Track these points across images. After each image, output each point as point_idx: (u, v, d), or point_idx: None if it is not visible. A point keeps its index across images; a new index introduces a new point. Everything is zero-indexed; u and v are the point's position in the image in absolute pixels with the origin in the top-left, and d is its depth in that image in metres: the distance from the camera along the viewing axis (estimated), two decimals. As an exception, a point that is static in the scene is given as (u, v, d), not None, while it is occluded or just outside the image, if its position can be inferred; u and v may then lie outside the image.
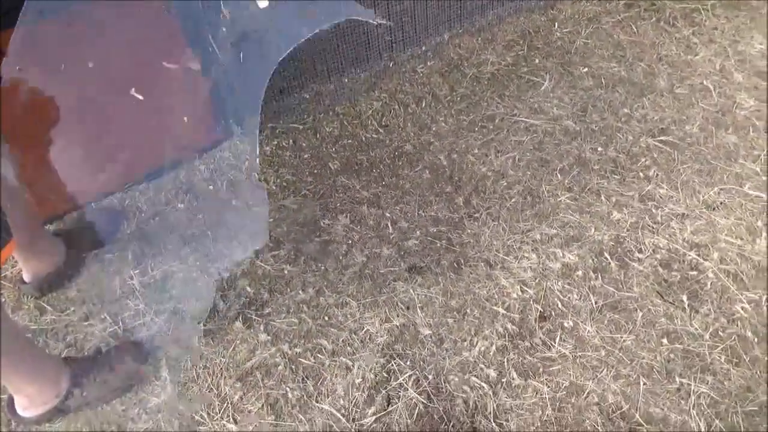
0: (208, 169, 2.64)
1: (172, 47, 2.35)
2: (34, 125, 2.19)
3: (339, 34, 2.81)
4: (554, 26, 3.30)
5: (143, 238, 2.38)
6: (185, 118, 2.45)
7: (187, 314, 2.13)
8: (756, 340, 1.93)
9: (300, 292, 2.18)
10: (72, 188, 2.43)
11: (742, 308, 2.01)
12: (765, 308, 2.01)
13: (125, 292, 2.22)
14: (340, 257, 2.28)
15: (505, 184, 2.52)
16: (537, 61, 3.12)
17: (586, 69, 3.06)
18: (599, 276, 2.15)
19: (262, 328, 2.08)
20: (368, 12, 2.68)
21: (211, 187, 2.56)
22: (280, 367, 1.96)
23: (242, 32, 2.37)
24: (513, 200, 2.45)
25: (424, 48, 3.09)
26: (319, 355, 2.00)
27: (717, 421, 1.76)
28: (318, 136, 2.78)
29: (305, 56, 2.79)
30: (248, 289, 2.20)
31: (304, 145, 2.74)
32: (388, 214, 2.43)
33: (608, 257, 2.21)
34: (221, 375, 1.96)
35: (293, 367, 1.96)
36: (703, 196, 2.40)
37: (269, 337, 2.05)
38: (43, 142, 2.23)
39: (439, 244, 2.31)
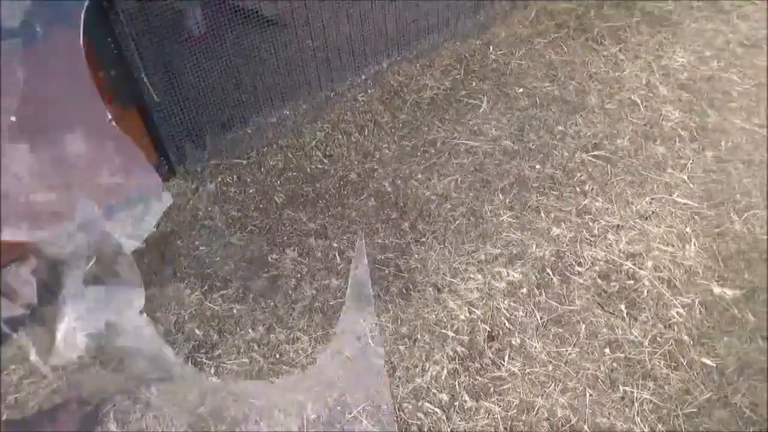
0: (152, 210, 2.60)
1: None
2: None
3: (278, 66, 2.84)
4: (489, 49, 3.42)
5: (88, 287, 2.32)
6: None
7: (134, 364, 2.09)
8: (691, 342, 2.02)
9: (250, 330, 2.17)
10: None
11: (677, 313, 2.10)
12: (698, 311, 2.11)
13: (69, 344, 2.16)
14: (290, 292, 2.28)
15: (449, 206, 2.57)
16: (474, 84, 3.22)
17: (521, 89, 3.17)
18: (543, 292, 2.21)
19: (212, 371, 2.05)
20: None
21: (154, 229, 2.52)
22: (231, 411, 1.94)
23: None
24: (457, 222, 2.51)
25: (363, 77, 3.15)
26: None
27: (660, 426, 1.83)
28: (262, 170, 2.78)
29: (246, 90, 2.81)
30: (197, 331, 2.17)
31: (248, 180, 2.74)
32: (335, 245, 2.45)
33: (550, 272, 2.28)
34: (171, 424, 1.92)
35: (245, 409, 1.94)
36: (636, 207, 2.50)
37: (220, 381, 2.02)
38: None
39: (387, 271, 2.34)
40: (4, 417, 1.91)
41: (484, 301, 2.20)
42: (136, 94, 2.42)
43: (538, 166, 2.73)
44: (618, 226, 2.43)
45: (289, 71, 2.89)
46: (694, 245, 2.31)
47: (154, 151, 2.62)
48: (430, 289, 2.26)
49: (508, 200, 2.58)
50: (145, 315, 2.19)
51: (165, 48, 2.39)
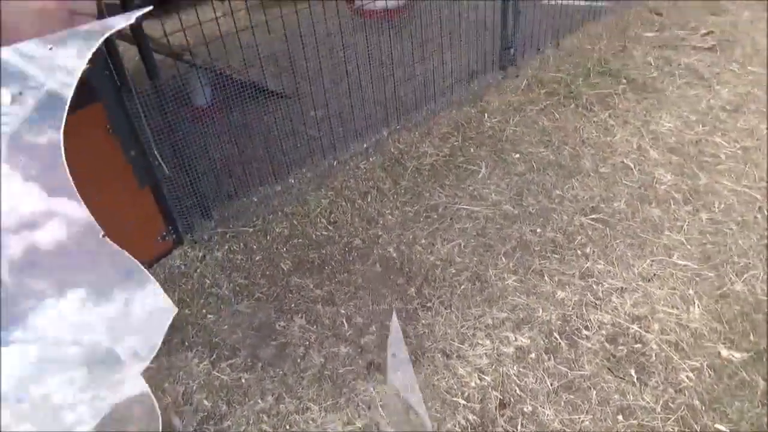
0: (159, 278, 2.61)
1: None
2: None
3: (282, 137, 2.94)
4: (484, 117, 3.56)
5: (92, 358, 2.30)
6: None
7: (140, 437, 2.04)
8: (703, 408, 2.02)
9: (259, 400, 2.14)
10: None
11: (687, 377, 2.12)
12: (707, 375, 2.12)
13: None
14: (298, 360, 2.28)
15: (454, 271, 2.61)
16: (472, 150, 3.33)
17: (517, 155, 3.28)
18: (551, 357, 2.22)
19: (221, 444, 2.02)
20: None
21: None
22: (242, 486, 1.89)
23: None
24: (462, 287, 2.54)
25: (365, 145, 3.25)
26: (282, 468, 1.94)
27: (679, 495, 1.81)
28: (268, 237, 2.82)
29: (251, 161, 2.89)
30: (205, 402, 2.15)
31: (255, 247, 2.77)
32: (343, 311, 2.46)
33: (558, 337, 2.29)
34: (180, 501, 1.87)
35: (256, 484, 1.90)
36: (637, 269, 2.55)
37: (229, 454, 1.98)
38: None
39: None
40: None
41: (493, 367, 2.20)
42: (150, 172, 2.49)
43: (539, 230, 2.79)
44: (621, 288, 2.47)
45: (293, 141, 2.99)
46: (698, 307, 2.35)
47: (163, 222, 2.66)
48: (439, 355, 2.26)
49: (511, 264, 2.62)
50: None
51: (175, 124, 2.47)
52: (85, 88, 2.16)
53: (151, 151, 2.44)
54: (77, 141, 2.25)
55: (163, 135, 2.45)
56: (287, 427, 2.06)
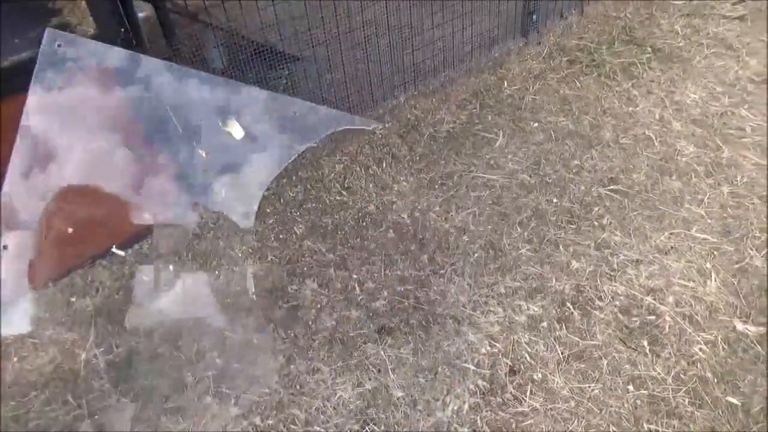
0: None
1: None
2: None
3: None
4: (503, 84, 3.48)
5: (107, 314, 2.34)
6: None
7: (154, 392, 2.09)
8: (715, 380, 2.00)
9: (270, 360, 2.17)
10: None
11: (700, 350, 2.09)
12: (721, 348, 2.10)
13: (89, 371, 2.17)
14: (309, 322, 2.29)
15: (468, 239, 2.59)
16: (490, 118, 3.27)
17: (536, 124, 3.22)
18: (563, 326, 2.21)
19: (233, 401, 2.05)
20: (366, 121, 2.81)
21: (177, 258, 2.55)
22: (253, 442, 1.93)
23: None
24: (476, 255, 2.52)
25: (381, 111, 3.21)
26: (292, 426, 1.97)
27: (686, 465, 1.81)
28: (282, 201, 2.82)
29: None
30: (218, 361, 2.18)
31: (268, 210, 2.77)
32: (355, 276, 2.46)
33: (570, 307, 2.28)
34: (192, 455, 1.91)
35: (266, 440, 1.94)
36: (654, 241, 2.51)
37: (241, 411, 2.02)
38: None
39: (406, 303, 2.34)
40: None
41: (504, 334, 2.20)
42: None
43: (555, 200, 2.75)
44: (637, 260, 2.44)
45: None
46: (715, 281, 2.31)
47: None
48: (450, 321, 2.26)
49: (526, 234, 2.59)
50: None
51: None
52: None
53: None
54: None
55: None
56: (297, 387, 2.08)
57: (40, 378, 2.14)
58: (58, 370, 2.16)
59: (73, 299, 2.40)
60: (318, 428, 1.95)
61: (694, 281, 2.33)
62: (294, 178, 2.93)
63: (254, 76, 2.79)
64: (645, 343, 2.12)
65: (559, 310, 2.27)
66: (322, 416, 1.99)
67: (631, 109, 3.28)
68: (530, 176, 2.89)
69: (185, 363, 2.17)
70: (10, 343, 2.24)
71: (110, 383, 2.12)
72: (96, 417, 2.01)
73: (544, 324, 2.22)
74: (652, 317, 2.22)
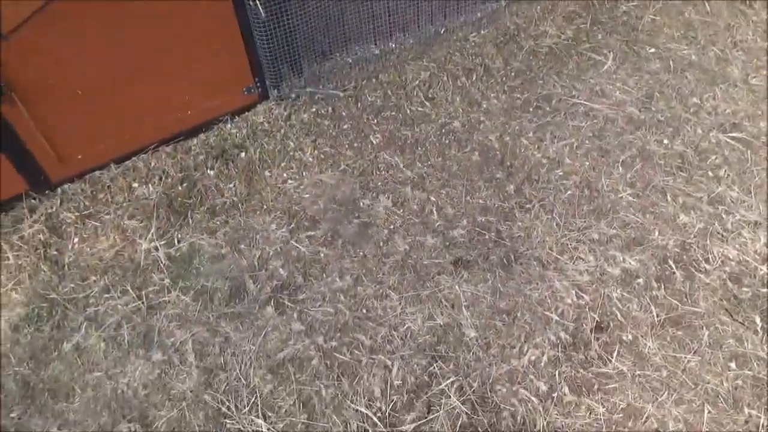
0: (241, 134, 2.44)
1: None
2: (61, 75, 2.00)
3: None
4: (620, -2, 3.03)
5: (170, 205, 2.22)
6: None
7: (215, 294, 1.99)
8: (834, 372, 1.77)
9: (337, 279, 2.03)
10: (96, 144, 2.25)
11: (820, 335, 1.85)
12: None
13: (149, 263, 2.08)
14: (381, 243, 2.12)
15: (561, 173, 2.32)
16: (600, 36, 2.86)
17: (653, 50, 2.80)
18: (662, 286, 1.98)
19: (295, 316, 1.93)
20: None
21: (243, 154, 2.37)
22: (314, 362, 1.83)
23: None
24: (569, 192, 2.26)
25: (478, 14, 2.83)
26: (356, 351, 1.86)
27: (786, 460, 1.63)
28: (359, 105, 2.57)
29: (350, 16, 2.55)
30: (281, 271, 2.05)
31: (344, 114, 2.54)
32: (433, 198, 2.25)
33: (672, 265, 2.03)
34: (250, 364, 1.83)
35: (328, 362, 1.83)
36: (778, 204, 2.20)
37: (303, 327, 1.91)
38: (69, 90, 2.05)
39: (487, 236, 2.14)
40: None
41: (594, 286, 1.99)
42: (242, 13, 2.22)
43: (666, 141, 2.42)
44: (756, 222, 2.14)
45: (398, 1, 2.60)
46: None
47: (250, 72, 2.43)
48: (535, 263, 2.05)
49: (629, 176, 2.30)
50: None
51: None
52: None
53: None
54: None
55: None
56: (364, 311, 1.95)
57: (100, 263, 2.06)
58: (118, 258, 2.07)
59: (135, 184, 2.28)
60: (383, 357, 1.83)
61: (821, 256, 2.04)
62: (374, 80, 2.66)
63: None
64: (756, 319, 1.89)
65: (659, 267, 2.03)
66: (388, 345, 1.86)
67: (767, 44, 2.82)
68: (639, 110, 2.54)
69: (247, 268, 2.05)
70: (70, 223, 2.16)
71: (170, 278, 2.02)
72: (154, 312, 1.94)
73: (640, 281, 1.99)
74: (767, 290, 1.96)
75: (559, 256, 2.07)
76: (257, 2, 2.17)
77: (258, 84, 2.48)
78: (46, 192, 2.23)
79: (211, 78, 2.35)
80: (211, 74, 2.34)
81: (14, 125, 2.00)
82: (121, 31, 2.03)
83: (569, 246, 2.10)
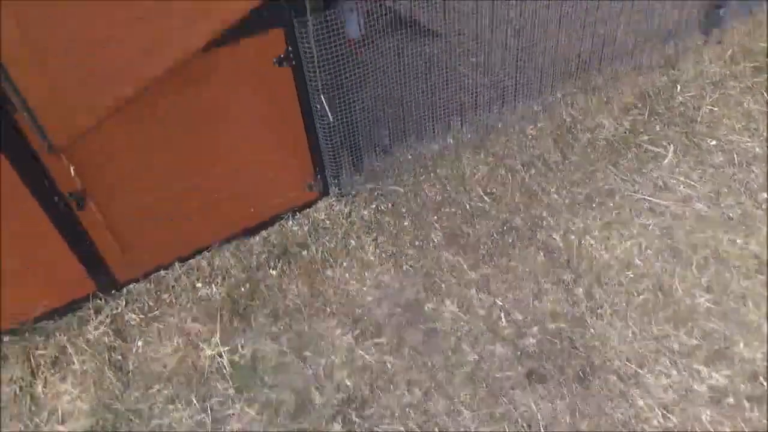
0: (302, 231, 2.44)
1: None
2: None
3: (442, 84, 2.58)
4: (676, 89, 3.01)
5: (233, 308, 2.20)
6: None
7: (280, 407, 1.93)
8: None
9: (405, 392, 1.95)
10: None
11: None
12: None
13: (213, 370, 2.04)
14: (449, 352, 2.05)
15: (632, 276, 2.24)
16: (658, 128, 2.83)
17: (714, 142, 2.76)
18: (755, 407, 1.85)
19: (364, 433, 1.86)
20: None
21: (305, 252, 2.36)
22: (386, 488, 1.74)
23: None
24: (642, 297, 2.18)
25: (535, 107, 2.84)
26: (429, 476, 1.76)
27: None
28: (418, 200, 2.56)
29: (409, 113, 2.59)
30: (347, 382, 1.99)
31: (404, 210, 2.52)
32: (499, 302, 2.19)
33: (764, 383, 1.91)
34: (320, 489, 1.75)
35: (401, 488, 1.74)
36: None
37: (373, 448, 1.83)
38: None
39: (560, 346, 2.05)
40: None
41: (680, 405, 1.87)
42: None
43: (739, 241, 2.33)
44: None
45: (451, 91, 2.62)
46: None
47: (312, 168, 2.45)
48: (614, 377, 1.95)
49: (704, 279, 2.21)
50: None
51: (340, 66, 2.18)
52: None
53: (315, 92, 2.19)
54: (237, 69, 2.03)
55: (328, 73, 2.17)
56: (436, 430, 1.86)
57: (164, 371, 2.03)
58: (183, 365, 2.04)
59: (199, 284, 2.27)
60: (459, 484, 1.73)
61: None
62: (433, 175, 2.66)
63: (392, 50, 2.46)
64: None
65: (749, 384, 1.91)
66: (464, 471, 1.77)
67: (834, 135, 2.75)
68: (708, 207, 2.47)
69: (312, 378, 1.99)
70: (135, 325, 2.15)
71: (234, 389, 1.97)
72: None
73: (731, 400, 1.87)
74: None
75: (638, 369, 1.97)
76: (325, 106, 2.21)
77: (319, 180, 2.49)
78: (113, 292, 2.23)
79: (275, 175, 2.37)
80: (275, 171, 2.36)
81: (89, 231, 2.03)
82: (188, 133, 2.06)
83: (649, 357, 2.00)
